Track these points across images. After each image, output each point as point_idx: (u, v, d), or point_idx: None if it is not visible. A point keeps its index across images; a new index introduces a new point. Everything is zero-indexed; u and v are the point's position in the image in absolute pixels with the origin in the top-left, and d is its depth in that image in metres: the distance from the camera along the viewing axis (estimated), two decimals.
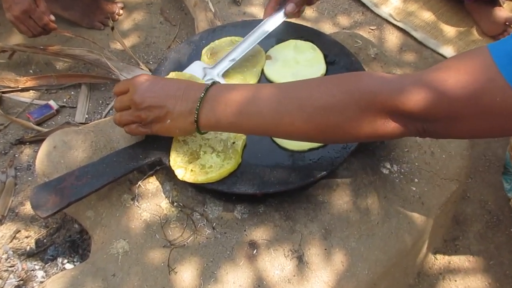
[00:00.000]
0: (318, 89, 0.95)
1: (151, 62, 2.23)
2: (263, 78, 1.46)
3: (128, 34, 2.36)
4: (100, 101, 2.08)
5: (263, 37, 1.40)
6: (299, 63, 1.46)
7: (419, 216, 1.31)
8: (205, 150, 1.22)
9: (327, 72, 1.44)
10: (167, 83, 1.10)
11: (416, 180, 1.35)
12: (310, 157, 1.23)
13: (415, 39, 2.41)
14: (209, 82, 1.10)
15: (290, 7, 1.39)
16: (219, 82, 1.16)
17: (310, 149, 1.24)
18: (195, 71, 1.41)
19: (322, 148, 1.25)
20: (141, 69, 2.08)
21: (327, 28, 2.43)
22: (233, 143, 1.23)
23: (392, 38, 2.42)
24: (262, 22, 1.41)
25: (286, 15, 1.41)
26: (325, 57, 1.48)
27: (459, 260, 1.63)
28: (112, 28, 2.13)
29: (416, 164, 1.38)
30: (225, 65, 1.39)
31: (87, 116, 2.02)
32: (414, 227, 1.29)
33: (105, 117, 2.00)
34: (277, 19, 1.41)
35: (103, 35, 2.33)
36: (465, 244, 1.67)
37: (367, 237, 1.22)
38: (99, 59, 2.04)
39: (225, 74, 1.42)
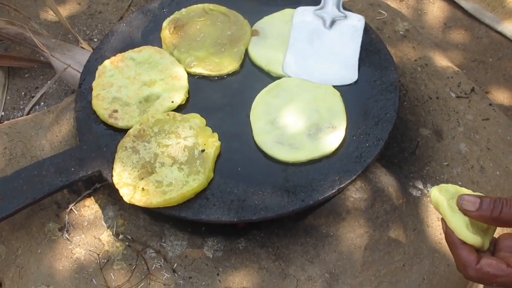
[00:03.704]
0: None
1: (95, 39, 2.23)
2: (246, 61, 1.46)
3: (65, 0, 2.36)
4: (23, 93, 2.08)
5: None
6: None
7: None
8: (162, 161, 1.22)
9: None
10: None
11: None
12: (310, 172, 1.23)
13: (465, 11, 2.43)
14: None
15: None
16: None
17: (311, 161, 1.25)
18: (309, 21, 1.48)
19: (327, 159, 1.25)
20: (82, 48, 2.08)
21: None
22: (202, 151, 1.23)
23: (433, 10, 2.44)
24: None
25: None
26: None
27: None
28: None
29: (460, 183, 1.39)
30: None
31: (2, 113, 2.03)
32: (456, 272, 1.29)
33: (28, 114, 1.99)
34: None
35: (29, 0, 2.33)
36: None
37: (389, 286, 1.22)
38: (22, 34, 2.04)
39: (196, 57, 1.42)
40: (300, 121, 1.30)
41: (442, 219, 0.96)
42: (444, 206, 0.94)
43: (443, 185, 0.99)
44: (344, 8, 1.50)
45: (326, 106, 1.33)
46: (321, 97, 1.34)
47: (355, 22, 1.42)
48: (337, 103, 1.33)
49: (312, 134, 1.28)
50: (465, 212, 0.91)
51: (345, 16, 1.45)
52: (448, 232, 0.94)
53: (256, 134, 1.30)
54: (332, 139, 1.26)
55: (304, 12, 1.49)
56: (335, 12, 1.45)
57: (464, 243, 0.91)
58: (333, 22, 1.44)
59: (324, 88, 1.36)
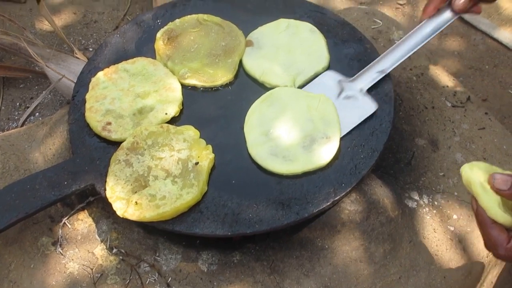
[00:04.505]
0: None
1: (90, 49, 2.23)
2: (241, 72, 1.46)
3: (60, 9, 2.37)
4: (17, 103, 2.08)
5: (423, 43, 1.40)
6: (291, 51, 1.46)
7: (460, 268, 1.30)
8: (155, 174, 1.21)
9: (331, 65, 1.45)
10: None
11: (454, 216, 1.35)
12: (304, 184, 1.23)
13: (460, 18, 2.42)
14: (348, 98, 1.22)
15: (460, 1, 1.33)
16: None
17: (306, 173, 1.24)
18: (327, 84, 1.42)
19: (321, 171, 1.24)
20: (76, 58, 2.08)
21: (337, 1, 2.45)
22: (196, 163, 1.22)
23: None
24: (421, 24, 1.41)
25: (456, 12, 1.37)
26: (328, 43, 1.48)
27: None
28: (38, 0, 2.13)
29: (456, 194, 1.38)
30: (373, 77, 1.40)
31: None
32: (452, 284, 1.28)
33: (22, 125, 1.99)
34: (443, 19, 1.39)
35: (24, 10, 2.34)
36: None
37: None
38: (17, 44, 2.04)
39: (190, 68, 1.42)
40: (294, 132, 1.30)
41: (473, 198, 0.95)
42: (476, 184, 0.93)
43: (474, 163, 0.97)
44: (368, 90, 1.42)
45: (320, 116, 1.32)
46: (314, 106, 1.34)
47: (367, 106, 1.37)
48: (330, 112, 1.33)
49: (307, 146, 1.27)
50: (497, 190, 0.89)
51: (362, 96, 1.39)
52: (479, 211, 0.93)
53: (250, 146, 1.29)
54: (326, 150, 1.26)
55: (331, 75, 1.44)
56: (357, 92, 1.39)
57: (494, 222, 0.90)
58: (348, 97, 1.41)
59: (318, 97, 1.36)
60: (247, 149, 1.29)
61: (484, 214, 0.91)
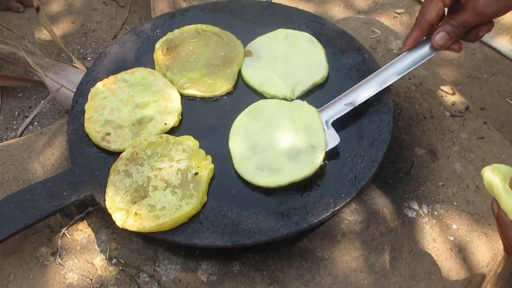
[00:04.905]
0: None
1: (89, 58, 2.23)
2: (240, 82, 1.47)
3: (58, 19, 2.37)
4: (16, 112, 2.08)
5: (400, 76, 1.35)
6: (290, 61, 1.46)
7: (460, 278, 1.30)
8: (155, 184, 1.21)
9: (330, 75, 1.46)
10: None
11: (454, 226, 1.36)
12: (303, 195, 1.23)
13: None
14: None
15: (440, 37, 1.28)
16: None
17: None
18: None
19: (321, 181, 1.25)
20: (75, 67, 2.08)
21: (335, 11, 2.45)
22: (196, 174, 1.22)
23: None
24: (400, 56, 1.37)
25: (435, 48, 1.32)
26: (327, 53, 1.49)
27: None
28: (37, 9, 2.13)
29: (455, 203, 1.39)
30: (340, 109, 1.36)
31: None
32: None
33: (21, 135, 1.99)
34: (422, 53, 1.35)
35: (23, 19, 2.34)
36: None
37: None
38: (15, 53, 2.03)
39: (189, 78, 1.42)
40: (279, 144, 1.30)
41: (494, 201, 0.94)
42: (499, 187, 0.92)
43: (495, 165, 0.96)
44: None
45: (303, 125, 1.32)
46: (298, 116, 1.33)
47: (329, 139, 1.30)
48: (314, 120, 1.32)
49: (292, 156, 1.27)
50: None
51: (327, 129, 1.34)
52: (500, 214, 0.92)
53: (237, 162, 1.28)
54: (312, 159, 1.25)
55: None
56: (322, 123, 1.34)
57: None
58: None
59: (300, 106, 1.36)
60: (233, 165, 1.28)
61: (506, 218, 0.90)
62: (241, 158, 1.28)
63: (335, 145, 1.29)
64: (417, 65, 1.34)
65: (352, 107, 1.34)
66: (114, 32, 2.34)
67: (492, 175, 0.94)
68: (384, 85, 1.35)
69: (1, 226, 1.16)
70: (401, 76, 1.34)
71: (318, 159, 1.25)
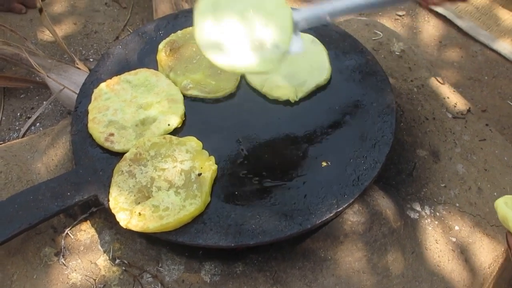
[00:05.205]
0: None
1: (91, 59, 2.23)
2: (243, 84, 1.47)
3: (60, 20, 2.37)
4: (18, 113, 2.08)
5: (373, 7, 1.25)
6: (293, 63, 1.46)
7: (462, 279, 1.31)
8: (159, 185, 1.21)
9: (332, 77, 1.46)
10: None
11: (456, 227, 1.36)
12: (307, 196, 1.23)
13: (459, 29, 2.44)
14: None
15: None
16: None
17: (307, 184, 1.25)
18: None
19: (325, 181, 1.25)
20: (77, 68, 2.08)
21: None
22: (199, 174, 1.22)
23: (428, 28, 2.45)
24: None
25: None
26: (330, 55, 1.49)
27: None
28: (40, 11, 2.14)
29: (457, 205, 1.39)
30: (313, 15, 1.22)
31: None
32: None
33: (23, 136, 1.99)
34: None
35: (25, 20, 2.34)
36: None
37: None
38: (18, 54, 2.04)
39: (192, 79, 1.43)
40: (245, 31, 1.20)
41: (508, 234, 0.91)
42: None
43: (508, 196, 0.92)
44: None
45: (275, 22, 1.21)
46: (270, 11, 1.22)
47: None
48: (286, 19, 1.21)
49: (255, 48, 1.19)
50: None
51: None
52: None
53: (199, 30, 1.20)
54: (271, 57, 1.18)
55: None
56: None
57: None
58: None
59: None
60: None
61: None
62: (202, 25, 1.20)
63: (296, 51, 1.22)
64: (393, 4, 1.26)
65: (326, 21, 1.23)
66: (116, 33, 2.35)
67: (505, 207, 0.89)
68: (360, 8, 1.24)
69: (5, 226, 1.16)
70: (374, 8, 1.29)
71: (277, 59, 1.19)
